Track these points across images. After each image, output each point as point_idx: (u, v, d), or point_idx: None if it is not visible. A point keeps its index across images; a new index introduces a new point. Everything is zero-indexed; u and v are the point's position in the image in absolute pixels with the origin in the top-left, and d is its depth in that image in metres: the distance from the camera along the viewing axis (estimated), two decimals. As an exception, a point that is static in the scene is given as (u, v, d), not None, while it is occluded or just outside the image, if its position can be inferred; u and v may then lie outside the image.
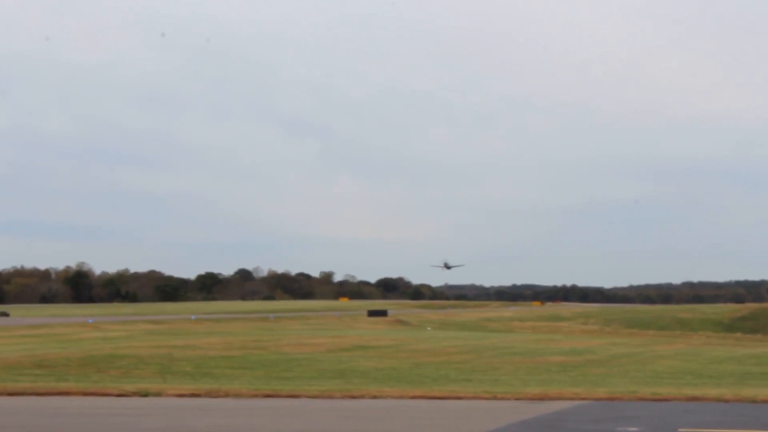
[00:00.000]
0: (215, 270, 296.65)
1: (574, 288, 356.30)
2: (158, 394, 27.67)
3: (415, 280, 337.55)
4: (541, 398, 25.62)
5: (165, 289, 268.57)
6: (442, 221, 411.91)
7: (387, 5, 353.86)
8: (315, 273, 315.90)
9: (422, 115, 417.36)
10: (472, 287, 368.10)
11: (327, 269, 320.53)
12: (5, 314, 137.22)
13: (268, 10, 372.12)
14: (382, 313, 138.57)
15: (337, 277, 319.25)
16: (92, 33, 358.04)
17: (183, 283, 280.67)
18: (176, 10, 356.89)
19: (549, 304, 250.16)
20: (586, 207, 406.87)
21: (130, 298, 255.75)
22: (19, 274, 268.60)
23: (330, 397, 26.73)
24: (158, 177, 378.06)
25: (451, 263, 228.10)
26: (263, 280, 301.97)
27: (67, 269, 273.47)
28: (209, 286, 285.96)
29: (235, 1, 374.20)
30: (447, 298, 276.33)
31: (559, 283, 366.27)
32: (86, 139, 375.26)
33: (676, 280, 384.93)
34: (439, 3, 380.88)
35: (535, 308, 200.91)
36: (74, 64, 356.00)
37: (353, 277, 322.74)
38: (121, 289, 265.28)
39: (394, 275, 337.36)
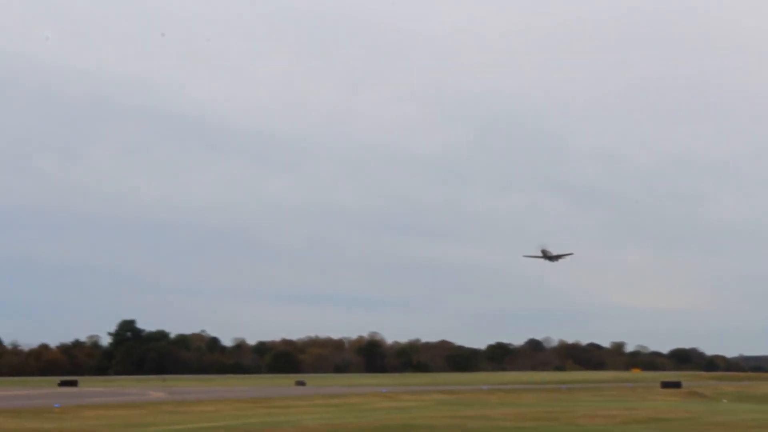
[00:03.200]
0: (505, 339, 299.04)
1: None
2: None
3: (709, 350, 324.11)
4: None
5: (456, 359, 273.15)
6: (735, 290, 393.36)
7: (674, 73, 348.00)
8: (605, 343, 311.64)
9: (713, 183, 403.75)
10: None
11: (617, 339, 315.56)
12: (302, 383, 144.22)
13: (555, 81, 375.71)
14: (676, 385, 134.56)
15: (629, 348, 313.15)
16: (380, 109, 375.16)
17: (474, 353, 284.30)
18: (467, 86, 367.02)
19: None
20: None
21: (422, 367, 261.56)
22: (314, 343, 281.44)
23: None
24: (447, 247, 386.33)
25: (553, 251, 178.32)
26: (554, 350, 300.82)
27: (360, 339, 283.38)
28: (500, 356, 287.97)
29: (524, 75, 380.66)
30: (743, 370, 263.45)
31: None
32: (378, 211, 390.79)
33: None
34: (734, 67, 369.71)
35: None
36: (365, 138, 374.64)
37: (645, 347, 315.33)
38: (413, 358, 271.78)
39: (686, 345, 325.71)
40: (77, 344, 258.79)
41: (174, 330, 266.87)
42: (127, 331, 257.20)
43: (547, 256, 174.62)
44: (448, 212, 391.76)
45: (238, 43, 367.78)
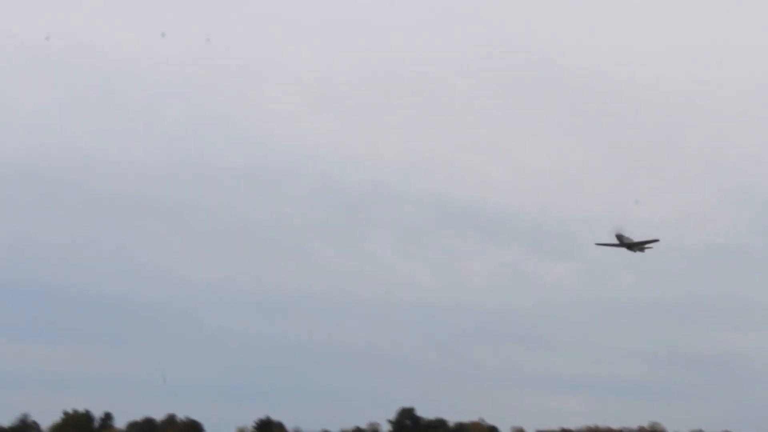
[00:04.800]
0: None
1: None
2: None
3: None
4: None
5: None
6: None
7: None
8: None
9: None
10: None
11: None
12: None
13: None
14: None
15: None
16: (656, 194, 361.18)
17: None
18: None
19: None
20: None
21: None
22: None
23: None
24: (730, 334, 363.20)
25: (632, 237, 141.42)
26: None
27: (641, 429, 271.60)
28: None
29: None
30: None
31: None
32: (657, 299, 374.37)
33: None
34: None
35: None
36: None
37: None
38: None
39: None
40: (358, 431, 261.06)
41: (452, 417, 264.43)
42: (406, 419, 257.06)
43: (625, 244, 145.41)
44: (731, 300, 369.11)
45: (510, 127, 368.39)
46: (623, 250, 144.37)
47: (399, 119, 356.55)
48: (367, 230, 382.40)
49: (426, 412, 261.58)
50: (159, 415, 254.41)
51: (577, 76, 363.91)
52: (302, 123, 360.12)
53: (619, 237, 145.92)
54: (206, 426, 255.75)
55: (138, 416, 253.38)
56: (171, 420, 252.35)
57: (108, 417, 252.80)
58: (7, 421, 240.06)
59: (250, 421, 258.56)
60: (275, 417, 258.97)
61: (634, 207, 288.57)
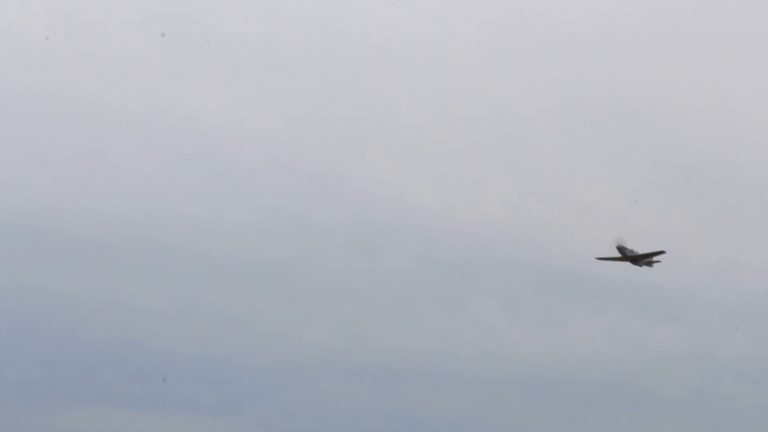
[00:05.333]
0: None
1: None
2: None
3: None
4: None
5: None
6: None
7: None
8: None
9: None
10: None
11: None
12: None
13: None
14: None
15: None
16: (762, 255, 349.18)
17: None
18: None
19: None
20: None
21: None
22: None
23: None
24: None
25: (634, 248, 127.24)
26: None
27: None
28: None
29: None
30: None
31: None
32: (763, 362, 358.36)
33: None
34: None
35: None
36: (749, 289, 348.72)
37: None
38: None
39: None
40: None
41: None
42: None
43: (628, 257, 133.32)
44: None
45: (613, 190, 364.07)
46: (627, 264, 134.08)
47: (501, 186, 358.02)
48: (471, 295, 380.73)
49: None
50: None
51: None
52: (406, 186, 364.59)
53: (621, 249, 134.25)
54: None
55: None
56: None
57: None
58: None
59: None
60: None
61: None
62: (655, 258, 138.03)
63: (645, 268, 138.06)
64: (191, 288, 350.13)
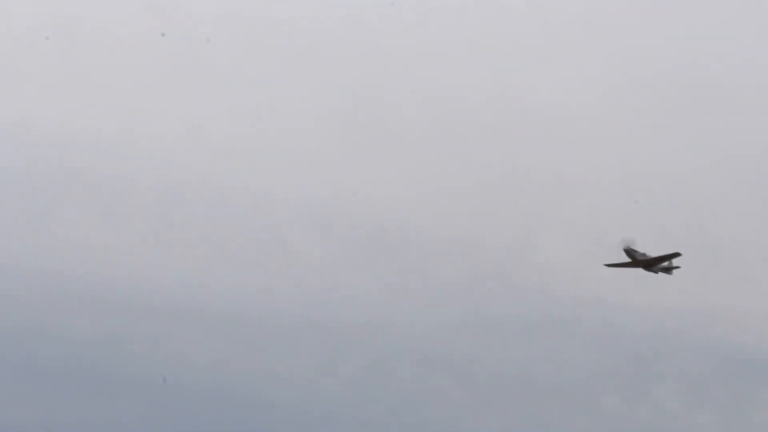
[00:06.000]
0: None
1: None
2: None
3: None
4: None
5: None
6: None
7: None
8: None
9: None
10: None
11: None
12: None
13: None
14: None
15: None
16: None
17: None
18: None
19: None
20: None
21: None
22: None
23: None
24: None
25: (644, 251, 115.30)
26: None
27: None
28: None
29: None
30: None
31: None
32: None
33: None
34: None
35: None
36: None
37: None
38: None
39: None
40: None
41: None
42: None
43: (640, 262, 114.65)
44: None
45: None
46: (640, 271, 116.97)
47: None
48: (653, 380, 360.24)
49: None
50: None
51: None
52: (582, 273, 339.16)
53: (630, 252, 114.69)
54: None
55: None
56: None
57: None
58: None
59: None
60: None
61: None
62: (671, 264, 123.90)
63: (662, 276, 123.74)
64: (365, 381, 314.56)
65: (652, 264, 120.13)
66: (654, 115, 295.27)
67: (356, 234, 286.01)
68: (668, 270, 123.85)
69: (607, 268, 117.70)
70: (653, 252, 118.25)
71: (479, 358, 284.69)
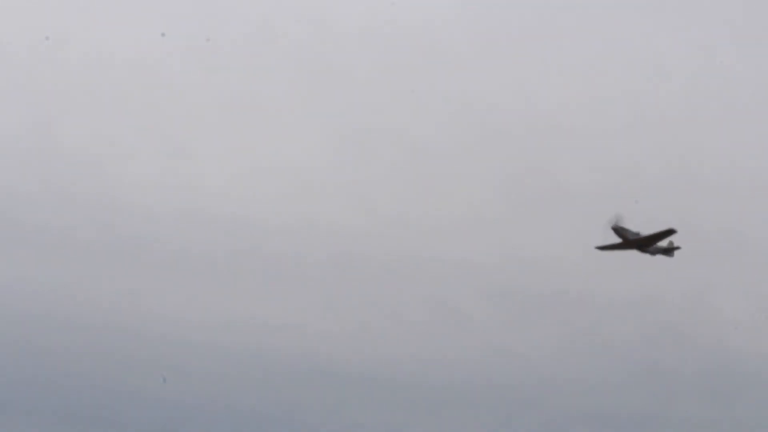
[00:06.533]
0: None
1: None
2: None
3: None
4: None
5: None
6: None
7: None
8: None
9: None
10: None
11: None
12: None
13: None
14: None
15: None
16: None
17: None
18: None
19: None
20: None
21: None
22: None
23: None
24: None
25: (636, 229, 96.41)
26: None
27: None
28: None
29: None
30: None
31: None
32: None
33: None
34: None
35: None
36: None
37: None
38: None
39: None
40: None
41: None
42: None
43: (632, 241, 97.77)
44: None
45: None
46: (634, 253, 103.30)
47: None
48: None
49: None
50: None
51: None
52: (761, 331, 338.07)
53: (619, 230, 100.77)
54: None
55: None
56: None
57: None
58: None
59: None
60: None
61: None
62: (671, 244, 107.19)
63: (660, 258, 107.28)
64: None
65: (646, 244, 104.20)
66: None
67: (526, 295, 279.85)
68: (668, 251, 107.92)
69: (598, 251, 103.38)
70: (644, 230, 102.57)
71: (656, 415, 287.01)
